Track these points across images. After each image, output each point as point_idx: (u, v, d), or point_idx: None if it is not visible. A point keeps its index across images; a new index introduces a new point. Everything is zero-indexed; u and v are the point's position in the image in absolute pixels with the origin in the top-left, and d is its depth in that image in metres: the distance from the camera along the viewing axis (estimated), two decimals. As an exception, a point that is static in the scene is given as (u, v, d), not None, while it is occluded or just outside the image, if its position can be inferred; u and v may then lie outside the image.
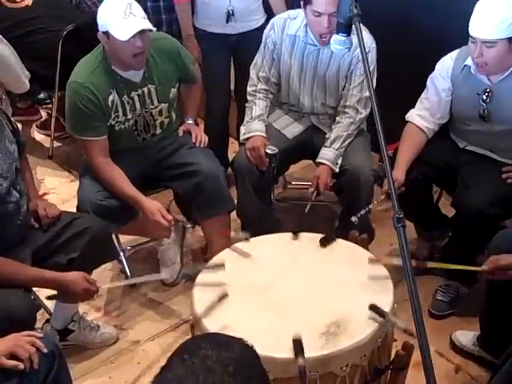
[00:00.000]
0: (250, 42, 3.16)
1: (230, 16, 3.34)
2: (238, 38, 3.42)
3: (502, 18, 2.47)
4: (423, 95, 2.88)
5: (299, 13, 2.95)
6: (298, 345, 1.85)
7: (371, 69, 2.94)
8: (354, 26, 1.91)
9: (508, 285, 2.30)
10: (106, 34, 2.66)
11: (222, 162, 3.18)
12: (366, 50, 2.81)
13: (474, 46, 2.56)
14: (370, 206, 2.78)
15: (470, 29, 2.54)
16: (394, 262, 2.12)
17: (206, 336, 1.28)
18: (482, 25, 2.50)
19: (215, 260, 2.30)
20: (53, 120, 4.11)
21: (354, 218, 2.65)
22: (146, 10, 2.94)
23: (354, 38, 1.98)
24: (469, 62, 2.69)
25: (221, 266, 2.22)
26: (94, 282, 2.42)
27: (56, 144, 4.22)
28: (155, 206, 2.76)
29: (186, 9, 3.43)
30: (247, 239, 2.35)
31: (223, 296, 2.08)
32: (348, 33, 2.02)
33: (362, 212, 2.70)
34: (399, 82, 3.34)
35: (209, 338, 1.24)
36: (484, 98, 2.69)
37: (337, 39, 2.06)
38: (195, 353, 1.14)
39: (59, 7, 3.87)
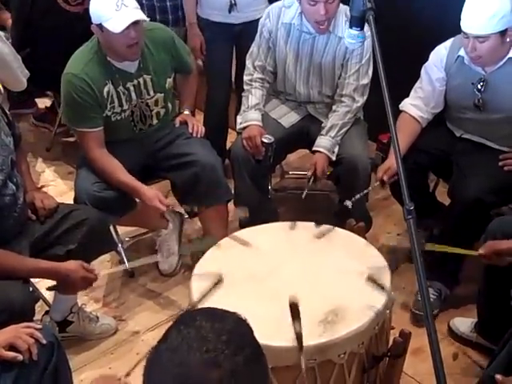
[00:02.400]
0: (252, 31, 3.14)
1: (232, 6, 3.33)
2: (240, 27, 3.40)
3: (492, 12, 2.46)
4: (417, 84, 2.88)
5: (294, 1, 2.94)
6: (294, 309, 1.86)
7: (367, 57, 2.95)
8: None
9: (504, 271, 2.31)
10: (100, 26, 2.65)
11: (221, 152, 3.18)
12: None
13: (466, 40, 2.56)
14: (365, 191, 2.78)
15: (461, 24, 2.53)
16: (391, 243, 2.13)
17: (202, 310, 1.32)
18: (474, 20, 2.50)
19: (212, 254, 2.29)
20: (59, 116, 4.08)
21: (348, 202, 2.66)
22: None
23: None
24: (462, 52, 2.69)
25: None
26: (92, 269, 2.42)
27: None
28: (153, 192, 2.78)
29: None
30: (245, 215, 2.33)
31: (219, 281, 2.09)
32: (362, 27, 2.00)
33: (357, 196, 2.70)
34: (394, 71, 3.31)
35: (204, 311, 1.27)
36: (479, 87, 2.69)
37: (350, 33, 2.03)
38: (190, 324, 1.18)
39: None
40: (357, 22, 2.01)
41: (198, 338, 1.14)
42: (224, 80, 3.61)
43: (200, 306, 2.01)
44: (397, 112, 2.91)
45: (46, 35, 3.61)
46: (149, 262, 2.88)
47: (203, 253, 2.32)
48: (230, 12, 3.35)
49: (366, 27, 1.96)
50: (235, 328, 1.18)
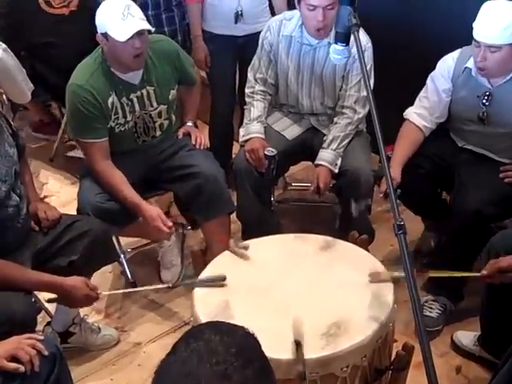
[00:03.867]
0: (255, 43, 3.15)
1: (238, 17, 3.35)
2: (244, 39, 3.42)
3: (507, 22, 2.47)
4: (422, 93, 2.88)
5: (295, 14, 2.96)
6: (298, 348, 1.85)
7: (368, 68, 2.94)
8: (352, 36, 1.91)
9: (508, 285, 2.30)
10: (105, 35, 2.67)
11: (226, 163, 3.17)
12: (362, 49, 2.80)
13: (477, 49, 2.56)
14: (370, 200, 2.78)
15: (474, 32, 2.53)
16: (395, 275, 2.12)
17: (210, 323, 1.32)
18: (487, 29, 2.50)
19: (215, 265, 2.29)
20: (62, 125, 4.10)
21: (354, 210, 2.65)
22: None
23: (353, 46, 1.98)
24: (470, 64, 2.69)
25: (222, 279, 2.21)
26: (95, 287, 2.41)
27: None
28: (155, 211, 2.76)
29: (196, 9, 3.43)
30: (246, 248, 2.34)
31: (222, 293, 2.09)
32: (347, 42, 2.02)
33: (362, 206, 2.70)
34: (398, 82, 3.34)
35: (212, 325, 1.26)
36: (484, 101, 2.70)
37: (336, 49, 2.06)
38: (199, 337, 1.17)
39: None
40: (342, 37, 2.03)
41: (208, 351, 1.13)
42: (228, 92, 3.63)
43: (201, 316, 2.01)
44: (401, 121, 2.92)
45: (36, 41, 3.63)
46: (151, 288, 2.84)
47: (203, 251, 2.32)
48: (236, 23, 3.36)
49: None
50: (244, 342, 1.18)
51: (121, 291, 3.02)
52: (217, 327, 1.22)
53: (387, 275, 2.15)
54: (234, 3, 3.34)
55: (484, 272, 2.28)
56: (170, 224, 2.76)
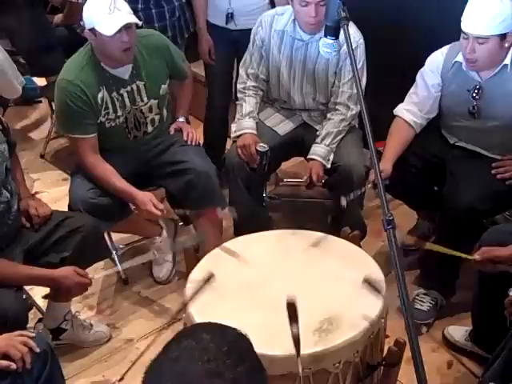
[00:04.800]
0: (249, 39, 3.14)
1: (228, 18, 3.34)
2: (237, 33, 3.38)
3: (494, 13, 2.47)
4: (412, 90, 2.88)
5: (287, 9, 2.96)
6: (292, 310, 1.84)
7: (360, 65, 2.94)
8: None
9: (499, 280, 2.30)
10: (93, 30, 2.66)
11: (219, 158, 3.16)
12: (354, 46, 2.81)
13: (465, 41, 2.56)
14: (360, 191, 2.78)
15: (462, 24, 2.54)
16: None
17: (201, 323, 1.32)
18: (475, 20, 2.50)
19: (207, 262, 2.29)
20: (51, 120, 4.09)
21: (343, 202, 2.65)
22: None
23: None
24: (459, 58, 2.69)
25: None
26: (86, 273, 2.42)
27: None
28: (147, 196, 2.76)
29: (202, 0, 3.42)
30: (234, 216, 2.33)
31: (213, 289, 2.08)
32: (336, 36, 2.02)
33: (351, 196, 2.70)
34: (389, 79, 3.34)
35: (204, 325, 1.26)
36: (474, 94, 2.70)
37: (325, 42, 2.06)
38: (190, 336, 1.17)
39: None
40: (331, 31, 2.03)
41: (199, 349, 1.13)
42: (224, 84, 3.59)
43: (196, 318, 2.01)
44: (391, 117, 2.92)
45: None
46: (142, 261, 2.82)
47: (195, 247, 2.31)
48: (226, 23, 3.35)
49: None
50: (235, 341, 1.18)
51: (114, 269, 2.93)
52: (208, 327, 1.21)
53: (381, 278, 2.15)
54: (225, 3, 3.32)
55: (476, 256, 2.29)
56: (162, 207, 2.77)
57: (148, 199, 2.75)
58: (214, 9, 3.40)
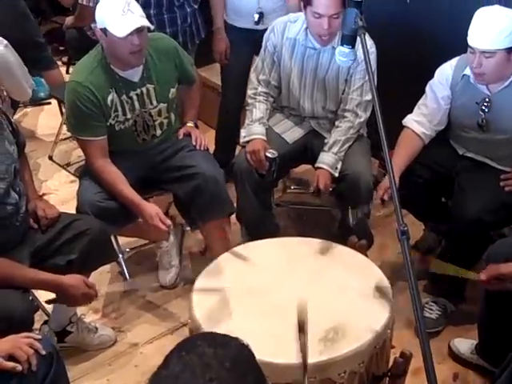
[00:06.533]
0: None
1: (260, 18, 3.34)
2: (262, 33, 3.37)
3: (500, 28, 2.47)
4: (421, 101, 2.88)
5: (300, 16, 2.95)
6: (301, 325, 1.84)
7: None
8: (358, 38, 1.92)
9: (506, 293, 2.29)
10: (104, 30, 2.66)
11: (229, 161, 3.16)
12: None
13: (472, 56, 2.56)
14: (368, 208, 2.78)
15: (468, 39, 2.54)
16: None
17: (203, 335, 1.30)
18: (481, 35, 2.50)
19: (214, 267, 2.29)
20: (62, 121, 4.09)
21: (351, 221, 2.65)
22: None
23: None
24: (468, 71, 2.69)
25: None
26: (93, 285, 2.41)
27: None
28: (154, 210, 2.74)
29: (220, 0, 3.43)
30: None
31: (220, 297, 2.08)
32: (353, 45, 2.03)
33: (359, 215, 2.70)
34: (398, 88, 3.34)
35: (205, 336, 1.25)
36: (483, 107, 2.69)
37: (341, 51, 2.06)
38: (192, 350, 1.15)
39: None
40: (348, 40, 2.04)
41: (201, 365, 1.11)
42: (240, 84, 3.56)
43: (203, 325, 2.00)
44: (400, 128, 2.91)
45: None
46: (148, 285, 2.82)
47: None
48: (257, 24, 3.35)
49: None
50: (238, 354, 1.16)
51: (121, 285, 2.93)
52: (210, 338, 1.20)
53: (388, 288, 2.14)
54: (254, 3, 3.33)
55: (482, 276, 2.28)
56: (169, 223, 2.76)
57: (155, 213, 2.73)
58: (237, 11, 3.40)
